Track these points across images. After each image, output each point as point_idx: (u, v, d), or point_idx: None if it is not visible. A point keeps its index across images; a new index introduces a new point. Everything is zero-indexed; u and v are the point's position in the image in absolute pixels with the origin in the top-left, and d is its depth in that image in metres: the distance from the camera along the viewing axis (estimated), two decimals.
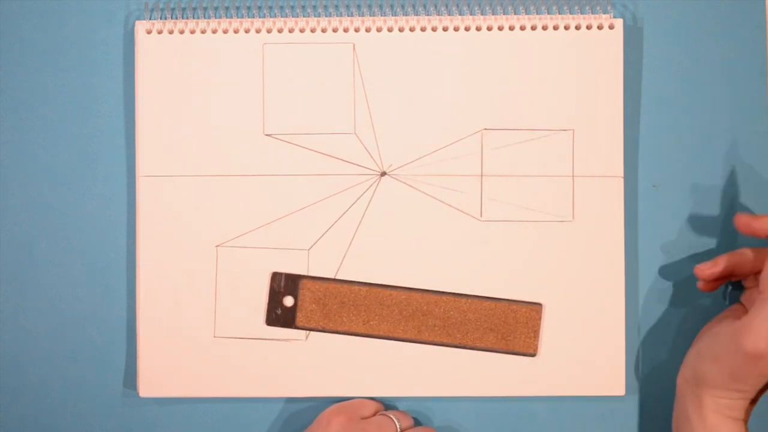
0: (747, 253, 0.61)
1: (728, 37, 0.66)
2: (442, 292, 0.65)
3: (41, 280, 0.67)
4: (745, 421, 0.59)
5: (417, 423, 0.66)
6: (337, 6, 0.66)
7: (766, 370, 0.56)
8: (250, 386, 0.65)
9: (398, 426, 0.62)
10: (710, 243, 0.66)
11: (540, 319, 0.65)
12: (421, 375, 0.65)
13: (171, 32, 0.66)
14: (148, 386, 0.65)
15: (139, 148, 0.66)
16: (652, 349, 0.66)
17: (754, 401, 0.59)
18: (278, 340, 0.65)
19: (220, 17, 0.66)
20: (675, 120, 0.66)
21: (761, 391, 0.59)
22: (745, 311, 0.61)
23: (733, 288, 0.65)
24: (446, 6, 0.66)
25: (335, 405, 0.63)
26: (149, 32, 0.66)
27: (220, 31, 0.66)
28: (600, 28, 0.65)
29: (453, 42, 0.65)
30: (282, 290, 0.65)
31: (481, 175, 0.65)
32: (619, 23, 0.65)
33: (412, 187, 0.65)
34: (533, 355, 0.65)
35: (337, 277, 0.65)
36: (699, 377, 0.59)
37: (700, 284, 0.63)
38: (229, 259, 0.65)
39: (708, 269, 0.61)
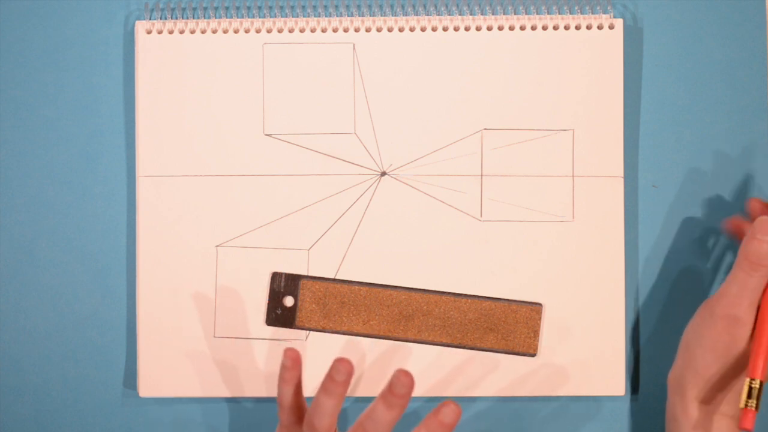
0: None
1: (728, 37, 0.66)
2: (442, 292, 0.65)
3: (41, 280, 0.67)
4: (735, 419, 0.58)
5: None
6: (337, 6, 0.66)
7: (742, 339, 0.57)
8: (250, 386, 0.65)
9: None
10: (710, 243, 0.66)
11: (540, 319, 0.65)
12: (422, 375, 0.65)
13: (171, 32, 0.66)
14: (148, 386, 0.65)
15: (139, 148, 0.66)
16: (652, 349, 0.66)
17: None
18: (278, 340, 0.65)
19: (220, 17, 0.66)
20: (675, 120, 0.66)
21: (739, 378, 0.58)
22: None
23: None
24: (446, 6, 0.66)
25: None
26: (149, 32, 0.66)
27: (220, 31, 0.66)
28: (600, 28, 0.65)
29: (453, 42, 0.65)
30: (282, 290, 0.65)
31: (481, 175, 0.65)
32: (619, 23, 0.65)
33: (412, 187, 0.65)
34: (533, 355, 0.65)
35: (337, 277, 0.65)
36: (685, 366, 0.59)
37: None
38: (229, 259, 0.65)
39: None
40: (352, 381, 0.65)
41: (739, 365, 0.57)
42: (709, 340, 0.57)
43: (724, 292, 0.58)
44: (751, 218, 0.61)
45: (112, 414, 0.67)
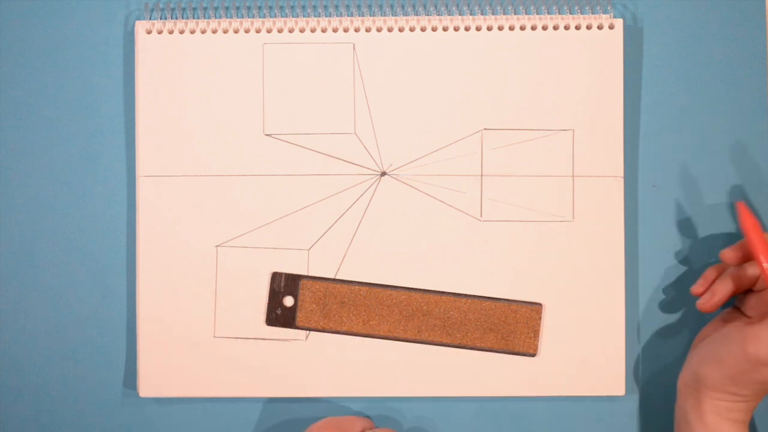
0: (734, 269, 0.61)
1: (728, 37, 0.66)
2: (442, 292, 0.65)
3: (41, 280, 0.67)
4: (745, 422, 0.59)
5: None
6: (337, 6, 0.66)
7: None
8: (250, 386, 0.65)
9: None
10: (710, 243, 0.66)
11: (540, 319, 0.65)
12: (421, 375, 0.65)
13: (171, 32, 0.66)
14: (148, 386, 0.65)
15: (139, 148, 0.66)
16: (652, 349, 0.66)
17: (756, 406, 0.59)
18: (278, 340, 0.65)
19: (220, 17, 0.66)
20: (675, 120, 0.66)
21: (760, 397, 0.59)
22: (741, 314, 0.61)
23: None
24: (446, 6, 0.66)
25: (325, 420, 0.62)
26: (149, 32, 0.66)
27: (220, 31, 0.66)
28: (600, 28, 0.65)
29: (453, 42, 0.65)
30: (282, 290, 0.65)
31: (481, 175, 0.65)
32: (619, 23, 0.65)
33: (412, 187, 0.65)
34: (533, 355, 0.65)
35: (337, 277, 0.65)
36: (700, 380, 0.59)
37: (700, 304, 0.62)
38: (229, 259, 0.65)
39: (707, 301, 0.61)
40: (352, 381, 0.65)
41: (761, 392, 0.58)
42: (732, 371, 0.57)
43: (759, 334, 0.56)
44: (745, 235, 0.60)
45: (112, 414, 0.67)
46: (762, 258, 0.58)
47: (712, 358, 0.58)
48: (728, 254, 0.60)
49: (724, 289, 0.60)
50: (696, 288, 0.62)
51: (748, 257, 0.60)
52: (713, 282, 0.62)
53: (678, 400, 0.61)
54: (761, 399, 0.59)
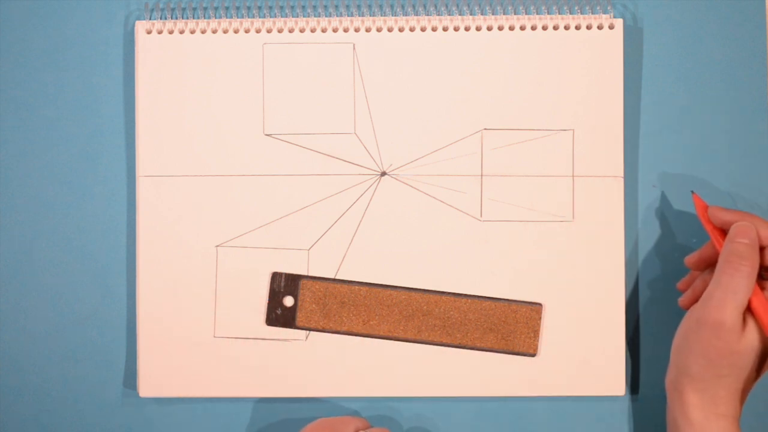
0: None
1: (728, 37, 0.66)
2: (442, 292, 0.65)
3: (41, 280, 0.67)
4: (735, 418, 0.58)
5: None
6: (337, 6, 0.67)
7: (733, 342, 0.56)
8: (250, 386, 0.65)
9: None
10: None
11: (540, 319, 0.65)
12: (421, 375, 0.65)
13: (171, 32, 0.66)
14: (148, 386, 0.65)
15: (139, 148, 0.66)
16: (652, 349, 0.66)
17: (742, 398, 0.59)
18: (278, 340, 0.65)
19: (220, 17, 0.66)
20: (675, 120, 0.66)
21: (746, 383, 0.58)
22: None
23: None
24: (446, 6, 0.66)
25: (318, 421, 0.62)
26: (149, 32, 0.66)
27: (220, 31, 0.66)
28: (600, 28, 0.65)
29: (453, 42, 0.65)
30: (282, 290, 0.65)
31: (481, 175, 0.65)
32: (619, 23, 0.65)
33: (412, 187, 0.65)
34: (533, 355, 0.65)
35: (337, 277, 0.65)
36: (680, 372, 0.59)
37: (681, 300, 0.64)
38: (229, 259, 0.65)
39: (687, 298, 0.63)
40: (352, 381, 0.65)
41: (733, 367, 0.57)
42: (699, 347, 0.57)
43: (708, 298, 0.57)
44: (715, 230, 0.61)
45: (112, 414, 0.67)
46: (714, 237, 0.60)
47: (684, 346, 0.59)
48: (690, 260, 0.63)
49: (702, 287, 0.61)
50: (680, 284, 0.64)
51: (710, 261, 0.62)
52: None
53: (667, 403, 0.61)
54: (742, 383, 0.58)
